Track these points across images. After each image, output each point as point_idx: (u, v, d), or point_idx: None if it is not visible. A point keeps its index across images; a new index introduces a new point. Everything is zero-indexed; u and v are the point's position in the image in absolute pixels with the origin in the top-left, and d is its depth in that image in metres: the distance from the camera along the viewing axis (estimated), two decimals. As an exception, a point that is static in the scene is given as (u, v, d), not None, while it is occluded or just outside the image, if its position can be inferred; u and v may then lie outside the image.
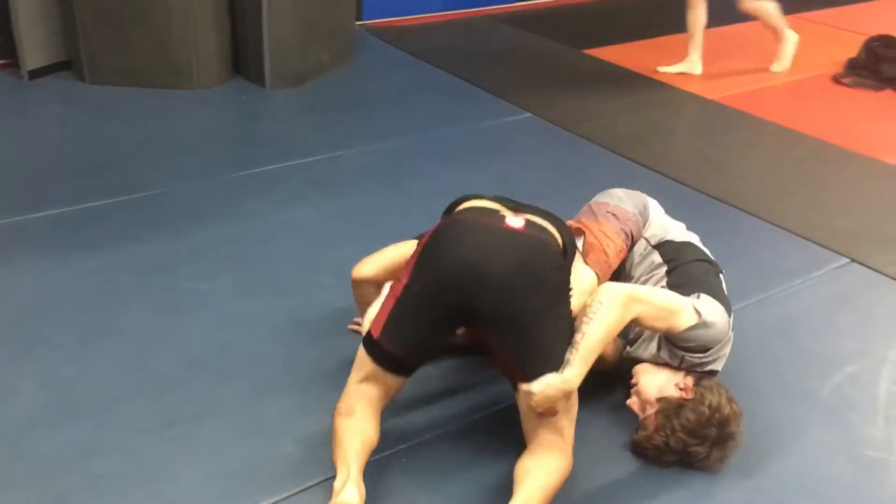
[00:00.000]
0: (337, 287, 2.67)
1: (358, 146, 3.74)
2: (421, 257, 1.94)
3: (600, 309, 1.86)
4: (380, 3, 5.54)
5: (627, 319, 1.91)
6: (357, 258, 2.84)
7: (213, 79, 4.28)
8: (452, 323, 1.96)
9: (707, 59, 5.00)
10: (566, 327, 1.89)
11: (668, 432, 1.97)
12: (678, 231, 2.41)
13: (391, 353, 1.91)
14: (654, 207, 2.46)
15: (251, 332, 2.48)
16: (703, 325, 2.00)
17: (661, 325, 1.98)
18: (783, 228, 3.19)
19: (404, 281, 1.93)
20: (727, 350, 2.11)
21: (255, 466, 2.01)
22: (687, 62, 4.87)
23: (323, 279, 2.74)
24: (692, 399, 1.98)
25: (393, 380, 1.95)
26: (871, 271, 2.90)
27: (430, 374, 2.29)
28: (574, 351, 1.82)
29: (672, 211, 2.60)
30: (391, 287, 1.99)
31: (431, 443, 2.10)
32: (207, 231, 2.99)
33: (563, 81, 4.66)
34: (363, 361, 1.95)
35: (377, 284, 2.22)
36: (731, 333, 2.11)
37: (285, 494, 1.93)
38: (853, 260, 2.96)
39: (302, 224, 3.07)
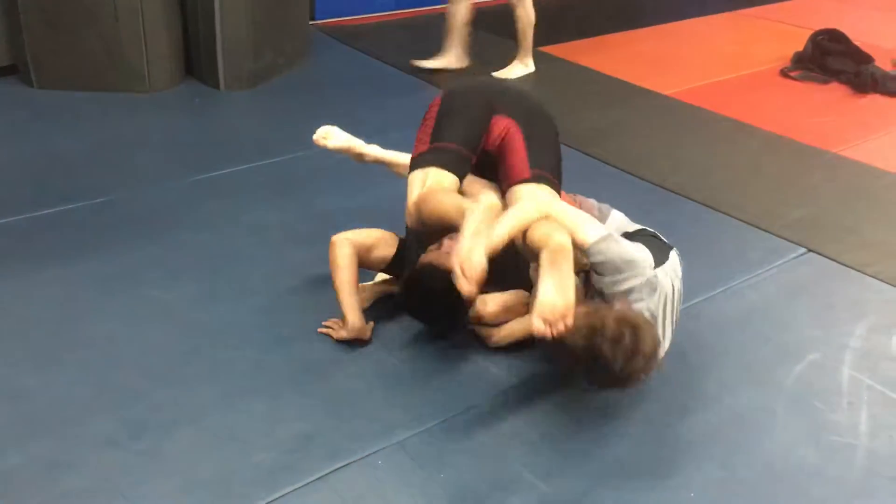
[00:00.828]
0: (303, 290, 2.66)
1: (317, 147, 3.69)
2: (445, 94, 2.50)
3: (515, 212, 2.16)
4: (332, 3, 5.50)
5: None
6: (322, 260, 2.83)
7: (165, 81, 4.20)
8: (484, 118, 2.38)
9: (658, 55, 5.07)
10: (556, 146, 2.45)
11: (584, 328, 1.97)
12: (637, 226, 2.46)
13: (446, 148, 2.36)
14: (617, 212, 2.51)
15: (217, 338, 2.44)
16: (607, 239, 2.09)
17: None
18: (741, 220, 3.24)
19: (434, 110, 2.45)
20: (643, 294, 2.10)
21: (226, 476, 1.97)
22: (447, 55, 4.68)
23: (288, 282, 2.71)
24: (611, 310, 2.01)
25: (449, 183, 2.31)
26: (827, 260, 2.97)
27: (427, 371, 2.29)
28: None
29: (632, 205, 2.66)
30: (422, 122, 2.49)
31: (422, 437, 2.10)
32: (167, 237, 2.93)
33: (520, 78, 4.68)
34: (419, 178, 2.34)
35: (354, 249, 2.42)
36: (656, 280, 2.12)
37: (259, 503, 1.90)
38: (809, 250, 3.03)
39: (264, 227, 3.03)
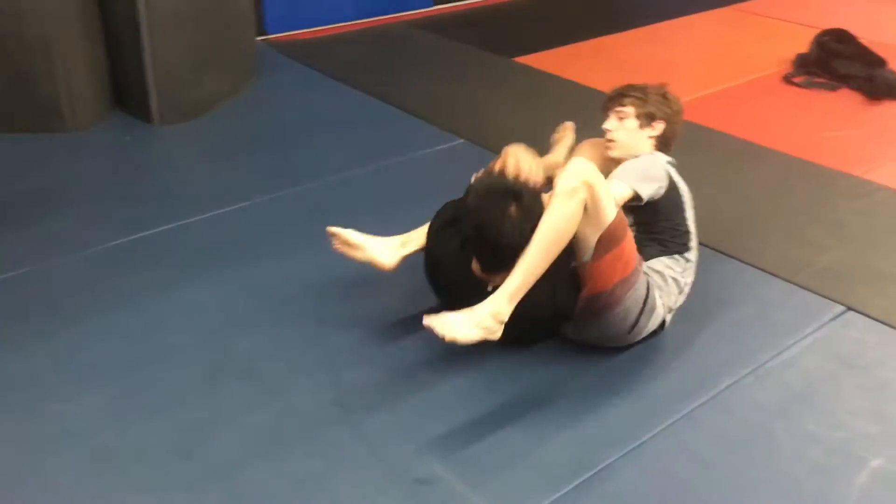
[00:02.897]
0: (247, 393, 2.15)
1: (265, 194, 3.18)
2: None
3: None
4: (285, 15, 4.96)
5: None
6: (271, 348, 2.35)
7: (89, 117, 3.65)
8: None
9: (645, 61, 4.59)
10: None
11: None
12: None
13: None
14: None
15: (124, 476, 1.90)
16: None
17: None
18: (761, 269, 2.76)
19: None
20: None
21: None
22: None
23: (227, 384, 2.20)
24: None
25: None
26: (872, 321, 2.50)
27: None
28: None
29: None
30: None
31: None
32: (79, 324, 2.40)
33: (495, 97, 4.18)
34: None
35: None
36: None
37: None
38: (849, 308, 2.55)
39: (198, 306, 2.51)
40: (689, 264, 2.36)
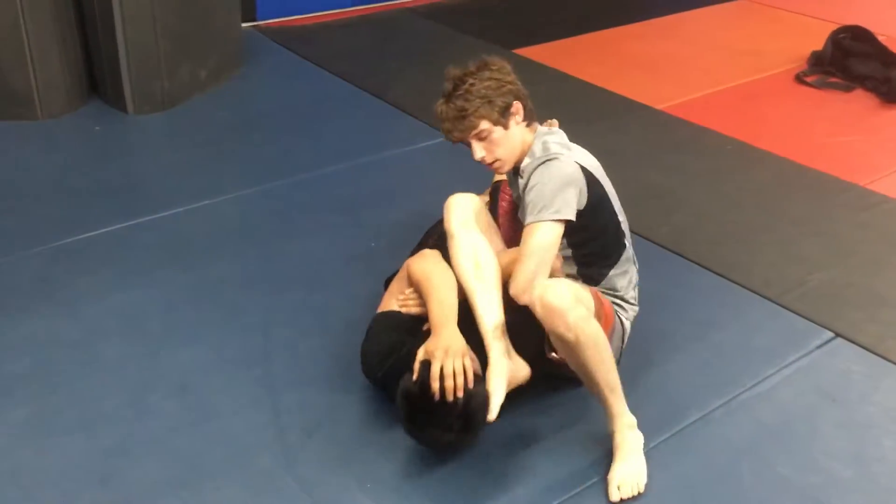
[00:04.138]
0: (175, 413, 2.03)
1: (232, 191, 3.04)
2: None
3: None
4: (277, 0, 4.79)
5: None
6: (210, 362, 2.22)
7: (61, 105, 3.53)
8: None
9: (652, 56, 4.37)
10: None
11: None
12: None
13: None
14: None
15: (34, 500, 1.79)
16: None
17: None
18: (746, 288, 2.57)
19: None
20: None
21: None
22: None
23: (155, 402, 2.07)
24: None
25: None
26: (861, 350, 2.30)
27: None
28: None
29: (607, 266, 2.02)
30: None
31: None
32: (4, 334, 2.27)
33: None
34: None
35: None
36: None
37: None
38: (837, 334, 2.36)
39: (140, 313, 2.38)
40: (628, 259, 2.12)
